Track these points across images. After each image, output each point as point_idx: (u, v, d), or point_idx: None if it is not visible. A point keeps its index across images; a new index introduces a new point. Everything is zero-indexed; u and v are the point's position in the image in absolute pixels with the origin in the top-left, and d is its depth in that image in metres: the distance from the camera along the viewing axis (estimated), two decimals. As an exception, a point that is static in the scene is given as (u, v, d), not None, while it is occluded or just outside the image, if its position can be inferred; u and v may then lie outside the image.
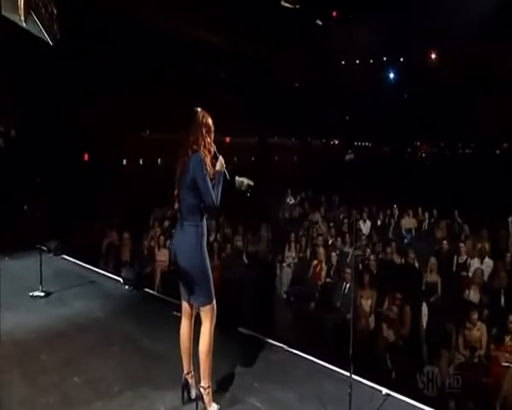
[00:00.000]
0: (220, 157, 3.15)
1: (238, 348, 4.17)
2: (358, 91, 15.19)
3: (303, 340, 6.00)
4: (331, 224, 9.46)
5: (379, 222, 10.28)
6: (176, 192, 3.09)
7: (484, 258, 7.58)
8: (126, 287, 5.45)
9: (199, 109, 3.17)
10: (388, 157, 17.66)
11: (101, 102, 11.03)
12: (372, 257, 7.19)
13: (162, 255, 8.56)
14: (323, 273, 7.54)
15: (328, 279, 7.38)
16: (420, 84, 14.82)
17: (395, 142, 17.37)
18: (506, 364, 5.17)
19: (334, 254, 7.55)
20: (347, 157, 14.85)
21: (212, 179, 3.04)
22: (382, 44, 13.51)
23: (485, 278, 7.15)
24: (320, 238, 8.25)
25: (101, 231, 9.59)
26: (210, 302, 3.10)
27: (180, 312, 4.58)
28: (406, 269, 7.21)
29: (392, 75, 15.76)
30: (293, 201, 12.56)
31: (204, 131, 3.09)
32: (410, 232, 9.61)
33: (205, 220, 3.13)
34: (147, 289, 5.55)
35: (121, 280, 5.62)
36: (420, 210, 10.86)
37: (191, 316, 3.24)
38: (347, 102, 15.52)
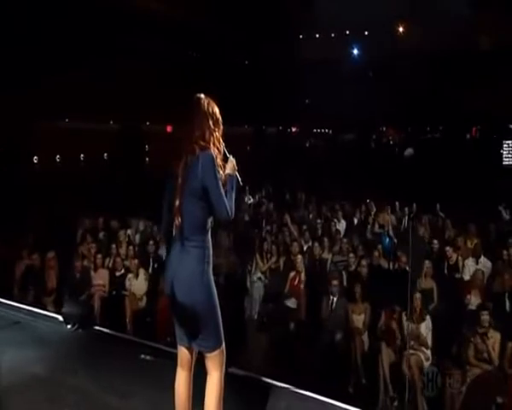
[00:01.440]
0: (231, 157, 2.79)
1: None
2: (318, 70, 15.17)
3: (289, 371, 5.70)
4: (304, 226, 9.22)
5: (355, 221, 10.22)
6: (178, 203, 2.63)
7: (479, 257, 7.73)
8: (68, 326, 4.79)
9: (202, 96, 2.78)
10: (352, 145, 17.90)
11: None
12: (364, 262, 7.02)
13: (100, 278, 7.87)
14: (303, 286, 7.27)
15: (309, 293, 7.12)
16: (386, 61, 15.11)
17: (359, 128, 17.61)
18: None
19: (315, 262, 7.30)
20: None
21: (223, 185, 2.68)
22: (345, 16, 13.60)
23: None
24: (295, 244, 7.98)
25: (12, 252, 8.57)
26: (219, 346, 2.76)
27: (150, 354, 4.13)
28: (399, 275, 7.14)
29: (355, 51, 15.93)
30: (251, 200, 12.22)
31: (211, 123, 2.72)
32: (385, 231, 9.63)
33: (210, 240, 2.74)
34: (98, 327, 4.93)
35: (60, 317, 4.94)
36: (397, 205, 11.00)
37: (191, 365, 2.86)
38: (306, 82, 15.46)
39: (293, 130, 18.44)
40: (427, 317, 5.89)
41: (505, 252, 7.95)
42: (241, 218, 11.25)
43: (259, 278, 7.91)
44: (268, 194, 12.67)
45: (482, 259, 7.68)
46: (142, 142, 15.14)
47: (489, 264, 7.61)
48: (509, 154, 13.47)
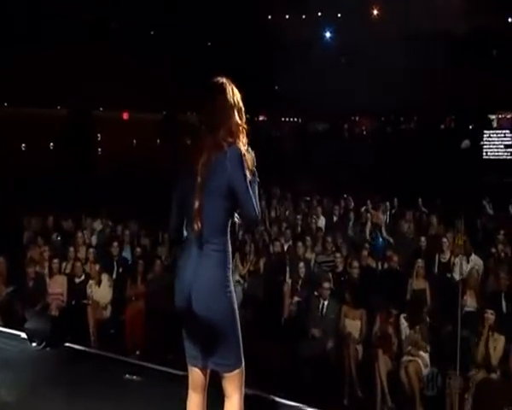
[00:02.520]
0: (251, 151, 2.63)
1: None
2: (288, 54, 15.12)
3: (277, 384, 5.58)
4: (284, 224, 9.14)
5: (335, 218, 10.25)
6: (197, 204, 2.47)
7: (470, 255, 7.89)
8: (34, 344, 4.46)
9: (224, 80, 2.61)
10: (324, 135, 18.02)
11: None
12: (355, 263, 7.00)
13: (57, 286, 7.48)
14: (288, 290, 7.18)
15: (295, 298, 7.04)
16: (359, 46, 15.22)
17: (331, 117, 17.73)
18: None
19: (301, 263, 7.22)
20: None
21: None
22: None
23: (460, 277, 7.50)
24: (278, 244, 7.88)
25: None
26: (240, 365, 2.61)
27: (136, 374, 3.91)
28: (391, 276, 7.19)
29: (328, 34, 15.98)
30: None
31: (237, 114, 2.57)
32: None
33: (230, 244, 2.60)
34: (69, 344, 4.62)
35: (22, 334, 4.59)
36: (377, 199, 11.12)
37: (204, 387, 2.69)
38: (275, 67, 15.35)
39: (261, 118, 18.33)
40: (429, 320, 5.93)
41: (494, 249, 8.22)
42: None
43: (238, 282, 7.76)
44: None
45: (473, 257, 7.84)
46: (93, 130, 14.58)
47: (480, 262, 7.78)
48: (490, 146, 13.90)
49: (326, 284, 6.51)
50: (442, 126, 18.04)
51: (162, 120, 15.73)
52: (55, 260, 7.58)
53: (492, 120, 14.05)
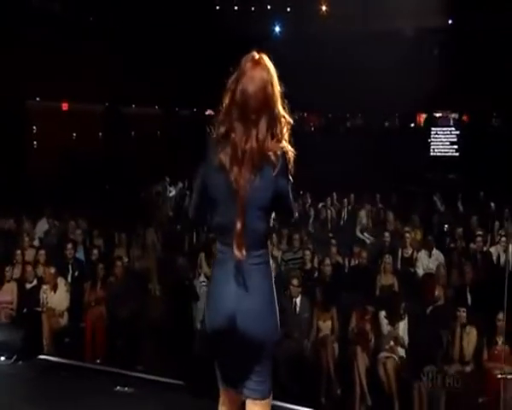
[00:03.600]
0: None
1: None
2: (237, 47, 14.90)
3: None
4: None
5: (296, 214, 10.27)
6: (240, 226, 2.12)
7: (431, 249, 8.21)
8: (2, 358, 4.08)
9: (264, 57, 2.20)
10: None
11: None
12: (328, 261, 7.03)
13: (6, 293, 6.94)
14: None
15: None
16: (308, 41, 15.36)
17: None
18: (501, 375, 5.59)
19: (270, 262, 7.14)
20: None
21: None
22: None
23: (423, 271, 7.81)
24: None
25: None
26: (271, 393, 2.38)
27: (127, 386, 3.68)
28: (361, 272, 7.31)
29: (277, 28, 16.00)
30: (173, 192, 11.72)
31: (281, 105, 2.19)
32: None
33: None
34: (43, 356, 4.26)
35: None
36: (335, 195, 11.32)
37: (238, 405, 2.45)
38: (224, 60, 15.10)
39: (208, 113, 18.03)
40: (406, 316, 6.06)
41: (453, 244, 8.62)
42: (165, 213, 10.76)
43: (203, 282, 7.58)
44: (191, 184, 12.21)
45: (435, 251, 8.16)
46: (28, 121, 13.66)
47: (441, 256, 8.11)
48: (437, 143, 14.52)
49: (295, 282, 6.46)
50: (386, 124, 18.64)
51: (104, 111, 15.06)
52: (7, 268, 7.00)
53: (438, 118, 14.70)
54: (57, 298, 6.89)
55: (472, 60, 15.08)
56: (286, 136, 2.22)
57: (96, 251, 7.73)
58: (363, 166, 13.83)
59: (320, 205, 10.66)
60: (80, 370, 4.21)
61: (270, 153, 2.12)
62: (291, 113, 2.24)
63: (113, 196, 11.30)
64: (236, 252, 2.13)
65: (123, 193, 11.24)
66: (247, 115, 2.13)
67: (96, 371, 4.09)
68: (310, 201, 11.07)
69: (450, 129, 14.42)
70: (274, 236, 8.19)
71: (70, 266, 7.43)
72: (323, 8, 15.25)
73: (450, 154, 14.07)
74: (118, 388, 3.69)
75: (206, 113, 18.52)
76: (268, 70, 2.17)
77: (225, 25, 15.17)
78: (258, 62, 2.17)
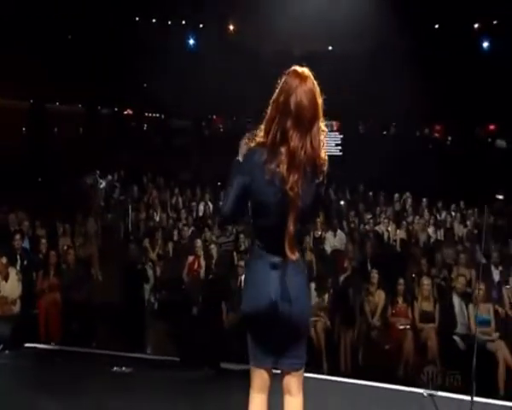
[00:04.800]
0: None
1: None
2: (155, 55, 14.24)
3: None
4: (182, 209, 8.69)
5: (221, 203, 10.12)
6: (292, 229, 2.00)
7: (336, 231, 8.60)
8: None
9: (308, 72, 2.07)
10: (187, 131, 17.58)
11: None
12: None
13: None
14: (202, 271, 6.86)
15: (211, 276, 6.76)
16: (216, 56, 15.15)
17: (191, 115, 17.39)
18: (402, 327, 6.05)
19: (212, 245, 6.97)
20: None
21: None
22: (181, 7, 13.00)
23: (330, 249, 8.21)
24: (186, 229, 7.46)
25: None
26: (304, 364, 2.30)
27: (125, 366, 3.36)
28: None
29: (191, 42, 15.53)
30: (103, 184, 10.86)
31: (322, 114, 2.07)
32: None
33: None
34: (29, 344, 3.67)
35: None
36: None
37: (269, 388, 2.32)
38: (142, 65, 14.33)
39: (127, 112, 17.02)
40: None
41: (353, 225, 9.12)
42: (97, 204, 9.95)
43: (149, 266, 7.16)
44: (120, 177, 11.44)
45: (339, 232, 8.58)
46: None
47: (343, 235, 8.55)
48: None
49: (242, 263, 6.37)
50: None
51: (29, 108, 13.46)
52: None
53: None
54: (9, 287, 6.05)
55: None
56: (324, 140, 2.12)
57: (44, 241, 6.91)
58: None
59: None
60: (72, 355, 3.72)
61: (321, 160, 2.05)
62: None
63: (48, 189, 10.21)
64: (289, 253, 2.02)
65: (57, 185, 10.21)
66: (302, 125, 2.01)
67: (90, 355, 3.64)
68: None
69: (334, 133, 15.23)
70: (209, 222, 8.01)
71: (18, 256, 6.55)
72: (231, 27, 15.18)
73: (335, 153, 14.89)
74: (115, 368, 3.32)
75: (125, 112, 17.58)
76: (313, 83, 2.07)
77: (143, 35, 14.43)
78: (306, 76, 2.06)
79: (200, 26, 15.19)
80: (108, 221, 9.33)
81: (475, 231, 8.80)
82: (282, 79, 2.09)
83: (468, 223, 9.56)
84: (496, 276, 7.05)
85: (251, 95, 16.48)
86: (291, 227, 1.99)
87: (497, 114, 14.29)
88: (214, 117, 18.46)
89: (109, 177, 11.49)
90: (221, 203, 2.24)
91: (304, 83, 2.04)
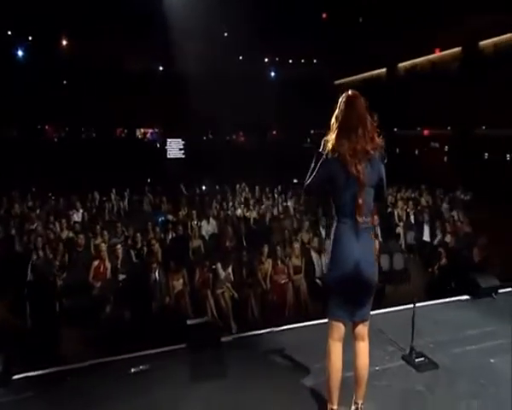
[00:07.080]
0: None
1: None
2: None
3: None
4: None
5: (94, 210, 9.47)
6: (361, 201, 2.48)
7: (208, 219, 9.24)
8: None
9: (356, 93, 2.58)
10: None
11: None
12: (154, 241, 6.98)
13: None
14: (109, 272, 6.56)
15: (121, 275, 6.54)
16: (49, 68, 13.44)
17: (22, 124, 15.03)
18: (283, 281, 7.13)
19: (118, 247, 6.74)
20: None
21: None
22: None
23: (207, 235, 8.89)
24: (81, 236, 6.93)
25: None
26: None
27: (141, 364, 3.24)
28: (181, 240, 7.65)
29: (20, 53, 13.38)
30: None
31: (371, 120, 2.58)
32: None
33: None
34: (18, 375, 3.04)
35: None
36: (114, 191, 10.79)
37: (343, 337, 2.64)
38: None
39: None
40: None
41: (222, 214, 9.83)
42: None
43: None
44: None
45: (211, 220, 9.24)
46: None
47: (215, 223, 9.27)
48: (171, 149, 15.35)
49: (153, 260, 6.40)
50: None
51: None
52: None
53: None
54: None
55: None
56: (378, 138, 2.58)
57: None
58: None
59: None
60: (81, 371, 3.35)
61: (379, 147, 2.55)
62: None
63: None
64: (358, 218, 2.48)
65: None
66: (357, 127, 2.51)
67: (100, 365, 3.32)
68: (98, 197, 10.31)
69: (178, 140, 15.50)
70: (98, 227, 7.56)
71: None
72: (64, 42, 13.72)
73: (179, 156, 15.22)
74: (133, 369, 3.12)
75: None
76: (361, 98, 2.58)
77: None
78: (357, 95, 2.58)
79: (29, 38, 13.23)
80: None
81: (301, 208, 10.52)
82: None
83: (290, 203, 11.21)
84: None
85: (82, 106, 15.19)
86: (360, 199, 2.47)
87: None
88: (46, 127, 16.34)
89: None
90: (307, 179, 2.56)
91: (356, 100, 2.56)
